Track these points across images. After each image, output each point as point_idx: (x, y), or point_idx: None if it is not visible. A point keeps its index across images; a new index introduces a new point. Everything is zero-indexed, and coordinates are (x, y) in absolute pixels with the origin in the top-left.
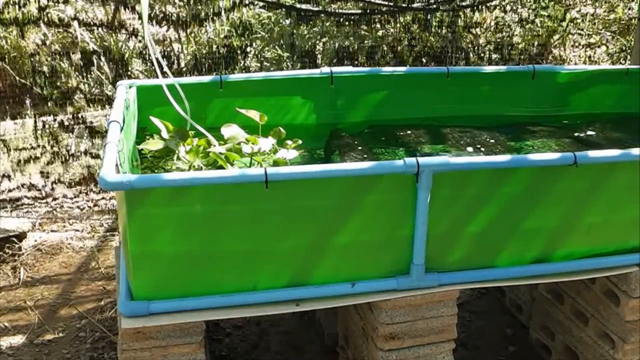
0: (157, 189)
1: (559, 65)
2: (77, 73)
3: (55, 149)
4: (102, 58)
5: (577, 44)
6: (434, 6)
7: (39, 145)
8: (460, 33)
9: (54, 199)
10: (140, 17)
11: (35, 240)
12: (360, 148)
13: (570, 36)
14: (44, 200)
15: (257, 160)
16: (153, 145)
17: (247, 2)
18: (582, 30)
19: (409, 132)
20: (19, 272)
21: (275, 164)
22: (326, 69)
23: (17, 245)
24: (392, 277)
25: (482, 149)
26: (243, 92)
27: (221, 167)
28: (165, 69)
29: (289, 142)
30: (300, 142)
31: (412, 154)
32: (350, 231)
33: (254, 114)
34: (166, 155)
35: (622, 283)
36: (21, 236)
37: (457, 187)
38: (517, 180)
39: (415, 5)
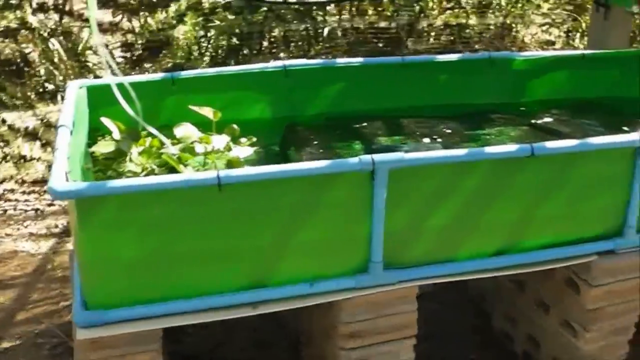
0: (107, 196)
1: (515, 52)
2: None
3: (7, 149)
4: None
5: (533, 24)
6: None
7: None
8: (416, 15)
9: (7, 201)
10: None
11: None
12: (316, 143)
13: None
14: None
15: (211, 160)
16: (104, 147)
17: None
18: (538, 9)
19: (365, 124)
20: None
21: (229, 163)
22: (279, 63)
23: None
24: (351, 275)
25: (439, 140)
26: (196, 89)
27: (174, 169)
28: (115, 68)
29: (243, 139)
30: (254, 139)
31: (368, 147)
32: (307, 231)
33: (207, 111)
34: (118, 157)
35: (583, 272)
36: None
37: (414, 182)
38: (475, 173)
39: None
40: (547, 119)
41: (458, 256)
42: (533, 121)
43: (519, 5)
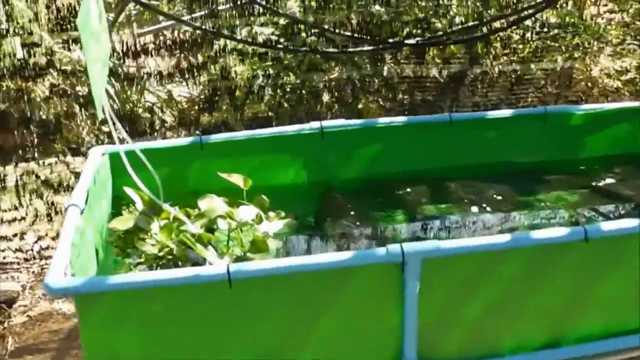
0: (106, 293)
1: (573, 106)
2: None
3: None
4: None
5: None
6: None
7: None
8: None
9: (42, 258)
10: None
11: (25, 306)
12: (353, 213)
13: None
14: (32, 262)
15: (236, 238)
16: (122, 223)
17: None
18: (609, 38)
19: (408, 189)
20: (7, 342)
21: (254, 244)
22: (316, 124)
23: (6, 312)
24: None
25: (488, 209)
26: (225, 153)
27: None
28: (125, 136)
29: (272, 213)
30: (283, 214)
31: (411, 217)
32: (329, 326)
33: (237, 179)
34: (139, 232)
35: None
36: (10, 301)
37: (450, 272)
38: (519, 259)
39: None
40: (609, 180)
41: (501, 349)
42: (593, 183)
43: (583, 41)
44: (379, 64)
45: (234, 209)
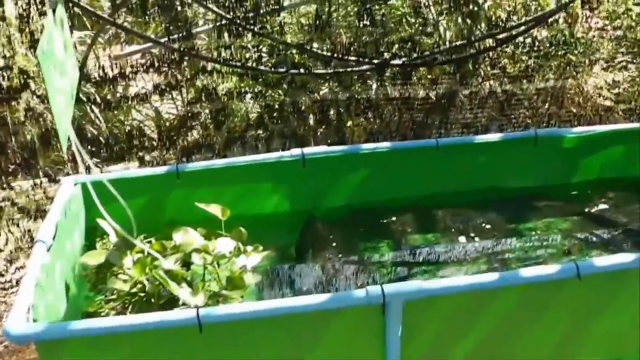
0: (69, 339)
1: (564, 129)
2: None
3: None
4: None
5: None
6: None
7: None
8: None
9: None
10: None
11: (1, 335)
12: (335, 244)
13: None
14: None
15: (213, 273)
16: (94, 259)
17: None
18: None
19: (393, 218)
20: None
21: (230, 280)
22: (296, 151)
23: None
24: None
25: (477, 238)
26: (203, 182)
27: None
28: (92, 166)
29: (249, 247)
30: (261, 247)
31: (396, 248)
32: None
33: (215, 209)
34: (111, 267)
35: None
36: None
37: (434, 312)
38: (507, 297)
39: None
40: (602, 206)
41: None
42: (586, 209)
43: (574, 58)
44: (364, 84)
45: (211, 241)
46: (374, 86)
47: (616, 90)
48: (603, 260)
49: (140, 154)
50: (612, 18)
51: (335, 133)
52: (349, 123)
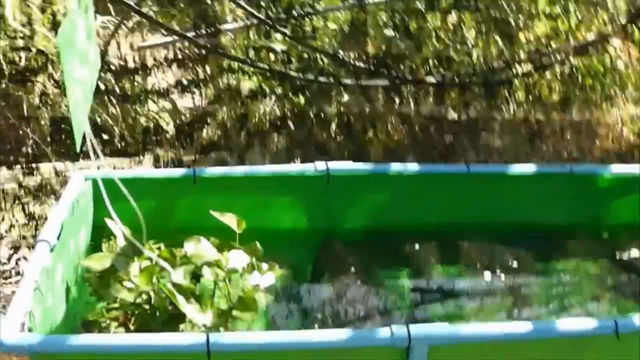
0: (66, 354)
1: (601, 166)
2: None
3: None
4: None
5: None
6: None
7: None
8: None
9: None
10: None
11: None
12: (353, 269)
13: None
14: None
15: (224, 290)
16: (98, 263)
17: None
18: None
19: (416, 245)
20: None
21: (242, 301)
22: (321, 164)
23: None
24: None
25: (502, 276)
26: (220, 189)
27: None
28: (102, 161)
29: (265, 265)
30: (277, 267)
31: (417, 279)
32: None
33: (230, 220)
34: (115, 273)
35: None
36: None
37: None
38: (540, 347)
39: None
40: (634, 253)
41: None
42: (617, 255)
43: (610, 91)
44: (393, 99)
45: (224, 254)
46: (402, 102)
47: None
48: None
49: (156, 150)
50: None
51: (355, 145)
52: (371, 136)
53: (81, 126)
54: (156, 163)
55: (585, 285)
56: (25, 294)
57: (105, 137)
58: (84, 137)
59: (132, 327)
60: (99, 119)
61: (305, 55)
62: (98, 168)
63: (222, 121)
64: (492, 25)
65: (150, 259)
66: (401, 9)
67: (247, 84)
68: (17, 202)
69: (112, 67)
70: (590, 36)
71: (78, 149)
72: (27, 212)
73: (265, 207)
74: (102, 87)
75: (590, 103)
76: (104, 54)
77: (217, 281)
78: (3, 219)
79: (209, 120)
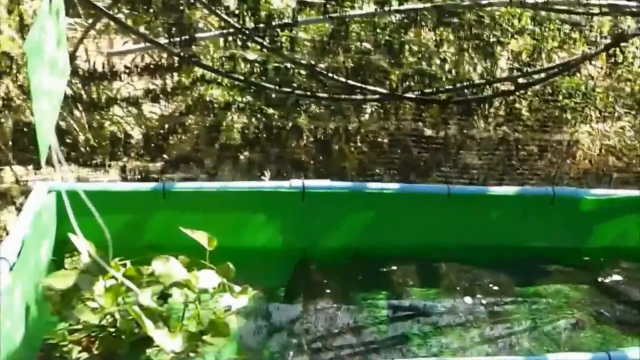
0: None
1: (584, 190)
2: None
3: None
4: None
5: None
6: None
7: None
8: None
9: None
10: None
11: None
12: (329, 291)
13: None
14: None
15: (194, 312)
16: (61, 281)
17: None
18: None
19: (394, 267)
20: None
21: (213, 324)
22: (297, 182)
23: None
24: None
25: (483, 301)
26: (191, 205)
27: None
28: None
29: (237, 287)
30: (250, 289)
31: (395, 302)
32: None
33: (201, 237)
34: (78, 292)
35: None
36: None
37: None
38: None
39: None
40: (615, 277)
41: None
42: (598, 279)
43: (589, 112)
44: (371, 114)
45: (194, 274)
46: (379, 117)
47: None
48: (636, 353)
49: (123, 161)
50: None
51: (331, 161)
52: (347, 152)
53: (47, 139)
54: (122, 174)
55: (566, 309)
56: None
57: (69, 141)
58: (49, 150)
59: (95, 352)
60: (63, 123)
61: (282, 67)
62: (62, 179)
63: (194, 135)
64: (473, 43)
65: (115, 277)
66: (382, 24)
67: (221, 97)
68: None
69: (80, 72)
70: (571, 56)
71: (43, 164)
72: None
73: (237, 224)
74: (69, 92)
75: (567, 123)
76: (72, 58)
77: (187, 302)
78: None
79: (180, 133)
